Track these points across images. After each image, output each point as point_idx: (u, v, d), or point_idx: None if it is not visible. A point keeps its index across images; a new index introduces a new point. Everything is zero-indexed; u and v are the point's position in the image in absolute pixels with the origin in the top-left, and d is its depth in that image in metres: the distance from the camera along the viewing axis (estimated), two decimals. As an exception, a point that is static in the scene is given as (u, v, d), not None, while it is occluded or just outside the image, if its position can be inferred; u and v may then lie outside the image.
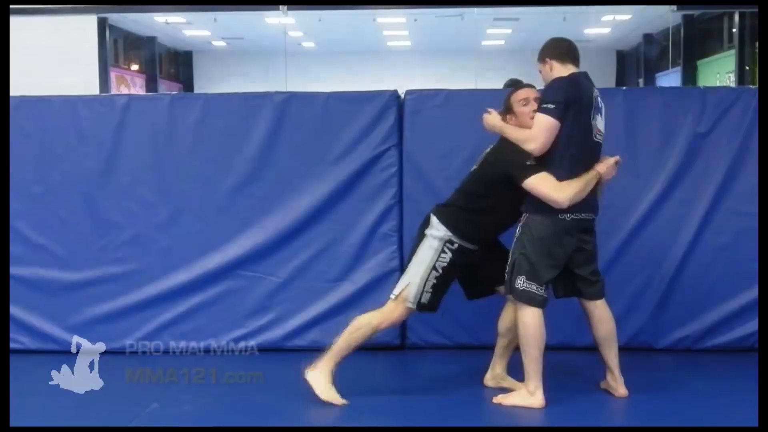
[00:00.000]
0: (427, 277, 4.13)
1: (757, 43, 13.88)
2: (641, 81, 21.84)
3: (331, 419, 3.99)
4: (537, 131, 4.00)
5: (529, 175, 3.99)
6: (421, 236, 4.22)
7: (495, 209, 4.14)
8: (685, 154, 5.02)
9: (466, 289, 4.38)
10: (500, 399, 4.13)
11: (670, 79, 19.50)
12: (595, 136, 4.09)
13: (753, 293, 4.83)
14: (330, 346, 4.18)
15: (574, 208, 4.01)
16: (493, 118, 4.24)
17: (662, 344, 5.09)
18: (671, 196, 5.04)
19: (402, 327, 5.03)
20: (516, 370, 4.23)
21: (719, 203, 5.02)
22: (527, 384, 4.06)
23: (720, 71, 16.99)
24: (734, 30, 16.06)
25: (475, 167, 4.27)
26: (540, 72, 4.26)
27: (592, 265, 4.18)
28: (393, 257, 5.06)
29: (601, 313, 4.18)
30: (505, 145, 4.16)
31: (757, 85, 6.79)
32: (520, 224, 4.10)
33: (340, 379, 4.23)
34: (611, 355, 4.20)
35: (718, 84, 16.21)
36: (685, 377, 4.63)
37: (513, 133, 4.12)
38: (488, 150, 4.26)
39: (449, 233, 4.12)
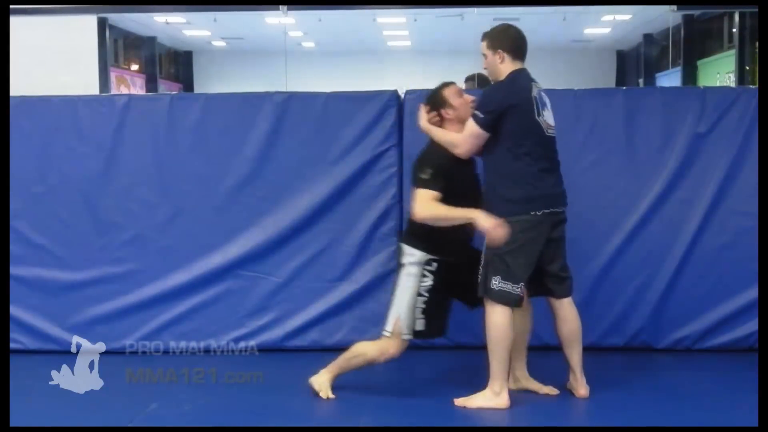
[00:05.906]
0: (414, 305, 4.12)
1: (757, 43, 13.87)
2: (641, 81, 21.83)
3: (331, 419, 3.99)
4: (465, 137, 4.03)
5: (418, 187, 4.06)
6: (399, 266, 4.21)
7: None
8: (685, 154, 5.02)
9: (464, 302, 4.32)
10: (463, 401, 4.06)
11: (670, 79, 19.50)
12: (547, 131, 4.07)
13: (753, 293, 4.83)
14: (335, 359, 4.28)
15: (545, 202, 4.00)
16: (421, 119, 4.22)
17: (662, 344, 5.08)
18: (671, 196, 5.03)
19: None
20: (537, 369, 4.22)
21: (719, 203, 5.02)
22: (492, 384, 4.02)
23: (720, 71, 16.97)
24: (734, 30, 16.05)
25: None
26: (484, 56, 4.16)
27: (561, 259, 4.16)
28: (393, 257, 5.04)
29: (567, 311, 4.17)
30: (425, 149, 4.19)
31: (757, 85, 6.78)
32: None
33: (341, 377, 4.23)
34: (574, 355, 4.18)
35: (718, 84, 16.19)
36: (685, 377, 4.63)
37: (440, 135, 4.14)
38: None
39: (424, 254, 4.12)
